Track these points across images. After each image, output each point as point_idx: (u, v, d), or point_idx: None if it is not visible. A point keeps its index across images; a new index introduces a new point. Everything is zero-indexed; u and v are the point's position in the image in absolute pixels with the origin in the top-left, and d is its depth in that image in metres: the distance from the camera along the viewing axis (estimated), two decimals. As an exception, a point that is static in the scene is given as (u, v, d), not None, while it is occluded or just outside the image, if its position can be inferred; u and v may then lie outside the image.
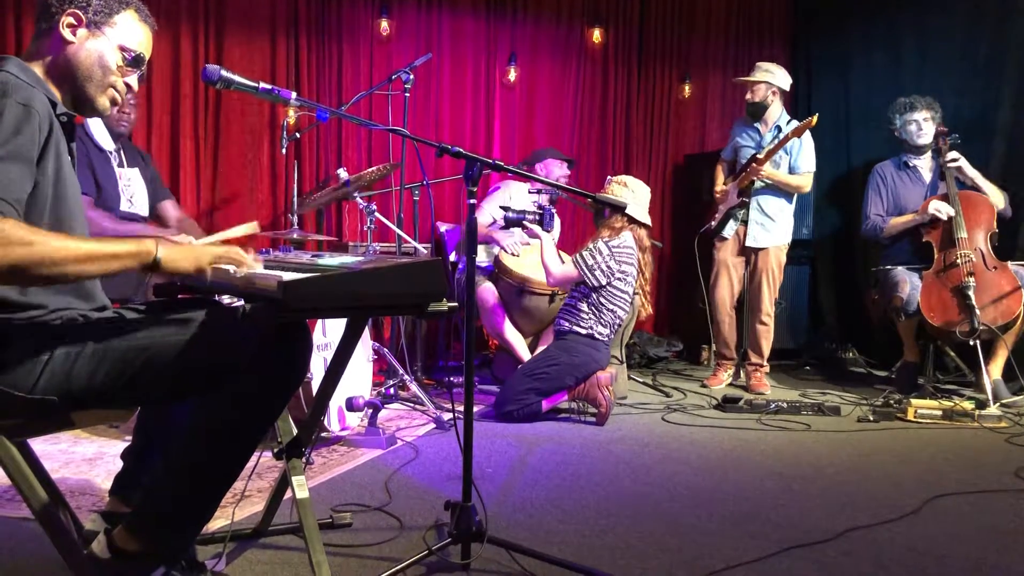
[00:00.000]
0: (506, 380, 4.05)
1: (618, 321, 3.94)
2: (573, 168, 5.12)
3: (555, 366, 3.80)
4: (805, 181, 4.71)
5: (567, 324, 3.92)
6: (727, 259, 4.84)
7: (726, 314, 4.90)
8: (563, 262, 4.07)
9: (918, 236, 4.53)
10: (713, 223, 4.87)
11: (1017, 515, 2.57)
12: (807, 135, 4.65)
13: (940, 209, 4.35)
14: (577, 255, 3.89)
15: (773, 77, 4.73)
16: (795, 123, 4.69)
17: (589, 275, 3.81)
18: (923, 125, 4.63)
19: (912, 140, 4.68)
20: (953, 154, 4.44)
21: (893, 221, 4.62)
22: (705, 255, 4.91)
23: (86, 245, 1.48)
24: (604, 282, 3.82)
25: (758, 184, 4.69)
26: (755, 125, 4.82)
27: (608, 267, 3.80)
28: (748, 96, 4.80)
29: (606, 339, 3.91)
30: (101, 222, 3.26)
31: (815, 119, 4.41)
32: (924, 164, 4.71)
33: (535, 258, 4.61)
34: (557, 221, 4.35)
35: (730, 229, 4.80)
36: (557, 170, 4.89)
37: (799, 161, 4.69)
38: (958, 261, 4.25)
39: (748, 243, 4.77)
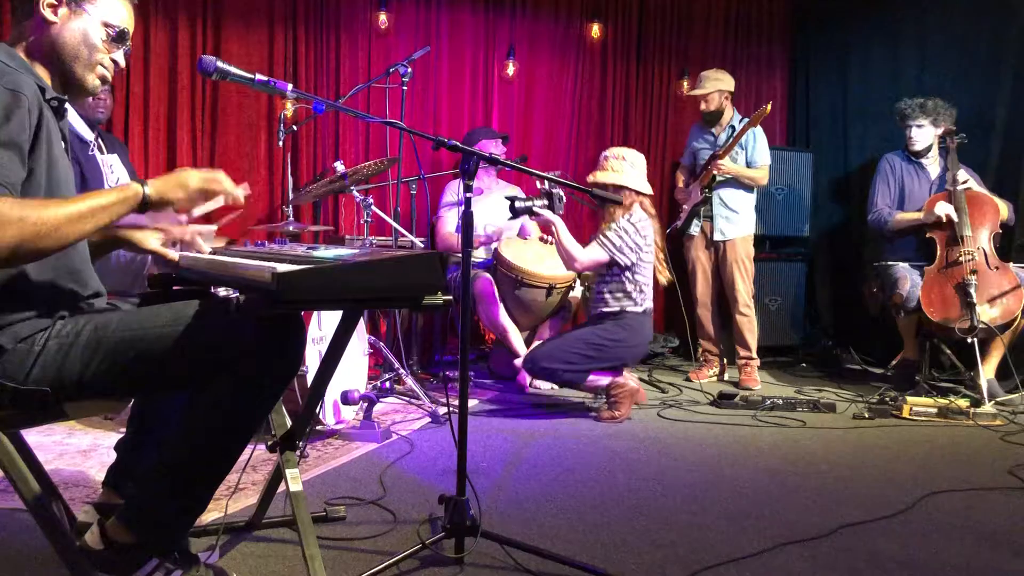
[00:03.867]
0: (552, 337, 3.99)
1: (649, 292, 3.93)
2: (508, 143, 5.14)
3: (615, 341, 3.78)
4: (762, 174, 4.86)
5: (616, 304, 3.85)
6: (699, 255, 4.95)
7: (707, 309, 4.97)
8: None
9: (922, 232, 4.53)
10: (679, 223, 4.97)
11: (1010, 513, 2.57)
12: (759, 130, 4.81)
13: (946, 211, 4.36)
14: (602, 237, 3.83)
15: (723, 83, 4.87)
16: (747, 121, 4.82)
17: (619, 255, 3.77)
18: (916, 133, 4.66)
19: (908, 146, 4.72)
20: (964, 174, 4.48)
21: (899, 216, 4.63)
22: (675, 255, 4.96)
23: (75, 205, 1.48)
24: (635, 259, 3.80)
25: (719, 179, 4.82)
26: (711, 130, 4.98)
27: (635, 243, 3.78)
28: (703, 107, 4.92)
29: (650, 312, 3.94)
30: None
31: (768, 107, 4.52)
32: (930, 161, 4.72)
33: (535, 251, 4.61)
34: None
35: (695, 227, 4.93)
36: (493, 149, 4.87)
37: (755, 156, 4.85)
38: (961, 259, 4.26)
39: (715, 237, 4.87)
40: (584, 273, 4.10)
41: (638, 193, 3.89)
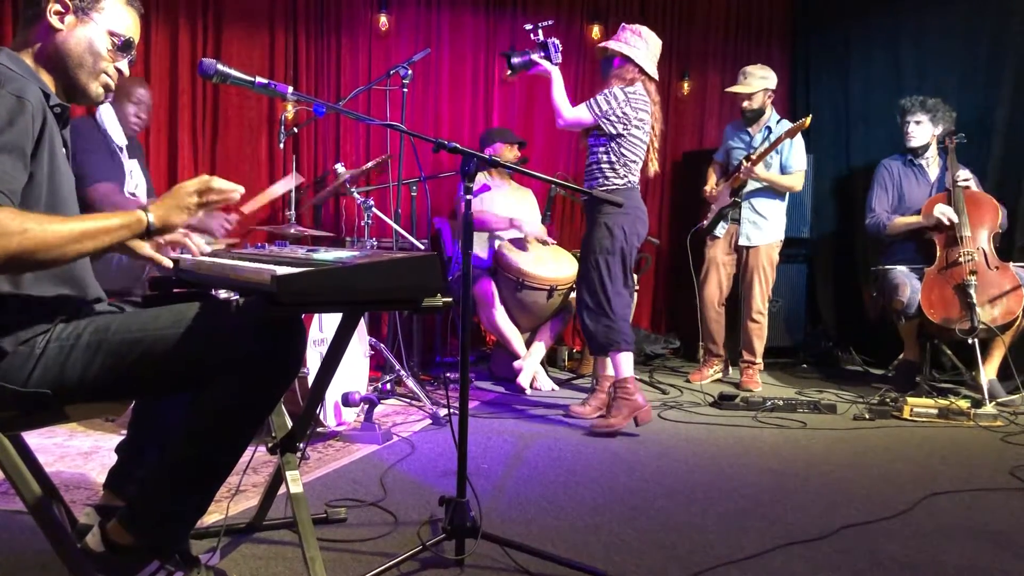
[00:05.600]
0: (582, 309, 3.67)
1: (637, 171, 3.69)
2: (524, 149, 5.07)
3: (617, 226, 3.55)
4: (797, 180, 4.76)
5: (598, 186, 3.65)
6: (717, 257, 4.88)
7: (714, 311, 4.93)
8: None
9: (921, 234, 4.53)
10: (705, 222, 4.89)
11: (1011, 514, 2.57)
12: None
13: (945, 213, 4.36)
14: (591, 100, 3.62)
15: (769, 82, 4.75)
16: (785, 123, 4.71)
17: (605, 121, 3.57)
18: (913, 129, 4.65)
19: (904, 142, 4.71)
20: (965, 173, 4.48)
21: (897, 221, 4.62)
22: (698, 253, 4.92)
23: (79, 224, 1.48)
24: (620, 129, 3.57)
25: (751, 185, 4.72)
26: (746, 128, 4.87)
27: (624, 113, 3.56)
28: (746, 104, 4.78)
29: (638, 189, 3.72)
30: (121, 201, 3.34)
31: (808, 120, 4.38)
32: (929, 162, 4.71)
33: (535, 253, 4.62)
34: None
35: (721, 229, 4.85)
36: (507, 153, 4.83)
37: (790, 160, 4.74)
38: (961, 259, 4.26)
39: (741, 242, 4.81)
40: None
41: (642, 71, 3.65)
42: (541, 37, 3.61)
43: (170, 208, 1.60)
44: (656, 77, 3.73)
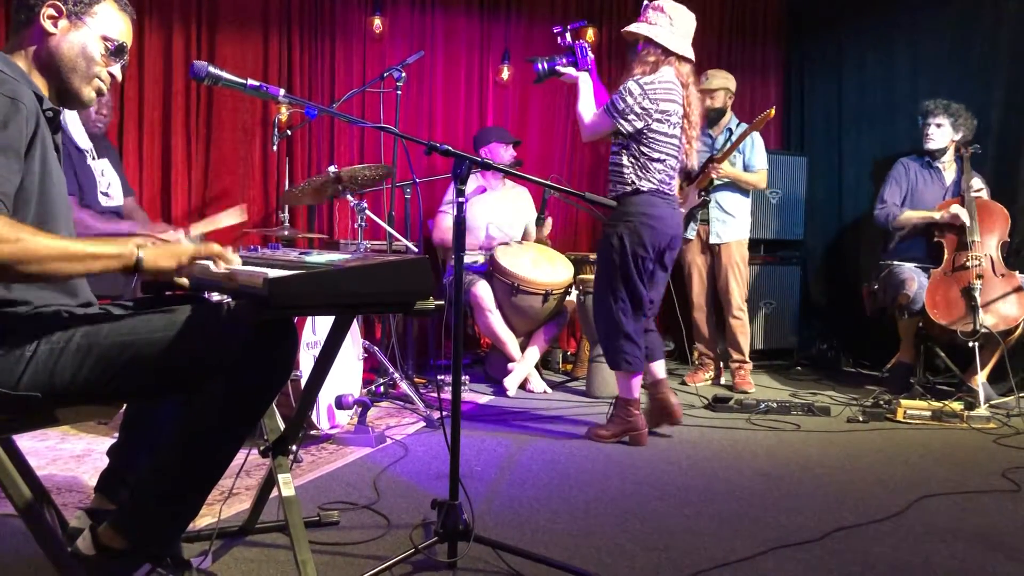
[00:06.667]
0: (597, 322, 3.47)
1: (670, 172, 3.36)
2: (518, 149, 5.05)
3: (625, 238, 3.25)
4: (760, 178, 4.90)
5: (610, 189, 3.41)
6: (695, 259, 4.97)
7: (702, 312, 5.00)
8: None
9: (930, 235, 4.56)
10: None
11: (1004, 516, 2.58)
12: (757, 135, 4.83)
13: (962, 214, 4.38)
14: (608, 102, 3.33)
15: (730, 83, 4.90)
16: (745, 125, 4.78)
17: (621, 121, 3.26)
18: (933, 131, 4.66)
19: (922, 142, 4.73)
20: (979, 183, 4.54)
21: (907, 213, 4.65)
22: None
23: (70, 245, 1.48)
24: (640, 126, 3.26)
25: (716, 182, 4.79)
26: (707, 131, 4.96)
27: (643, 108, 3.24)
28: (708, 103, 4.84)
29: (664, 193, 3.34)
30: (91, 222, 3.27)
31: (772, 112, 4.43)
32: (945, 166, 4.73)
33: (530, 256, 4.62)
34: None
35: (691, 231, 4.93)
36: (503, 153, 4.81)
37: (752, 160, 4.88)
38: (968, 263, 4.30)
39: (711, 240, 4.90)
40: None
41: (666, 52, 3.31)
42: (569, 40, 3.44)
43: (162, 254, 1.56)
44: (688, 55, 3.37)
